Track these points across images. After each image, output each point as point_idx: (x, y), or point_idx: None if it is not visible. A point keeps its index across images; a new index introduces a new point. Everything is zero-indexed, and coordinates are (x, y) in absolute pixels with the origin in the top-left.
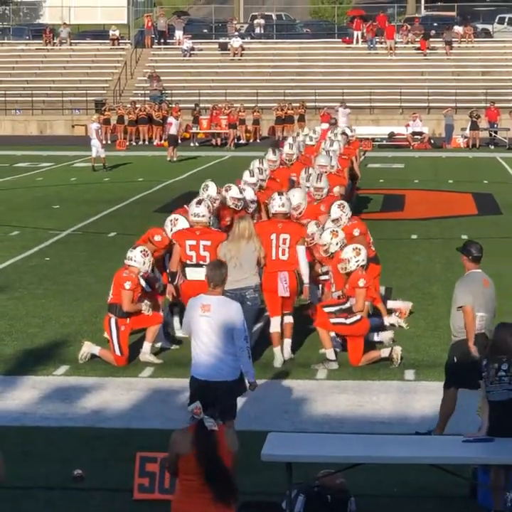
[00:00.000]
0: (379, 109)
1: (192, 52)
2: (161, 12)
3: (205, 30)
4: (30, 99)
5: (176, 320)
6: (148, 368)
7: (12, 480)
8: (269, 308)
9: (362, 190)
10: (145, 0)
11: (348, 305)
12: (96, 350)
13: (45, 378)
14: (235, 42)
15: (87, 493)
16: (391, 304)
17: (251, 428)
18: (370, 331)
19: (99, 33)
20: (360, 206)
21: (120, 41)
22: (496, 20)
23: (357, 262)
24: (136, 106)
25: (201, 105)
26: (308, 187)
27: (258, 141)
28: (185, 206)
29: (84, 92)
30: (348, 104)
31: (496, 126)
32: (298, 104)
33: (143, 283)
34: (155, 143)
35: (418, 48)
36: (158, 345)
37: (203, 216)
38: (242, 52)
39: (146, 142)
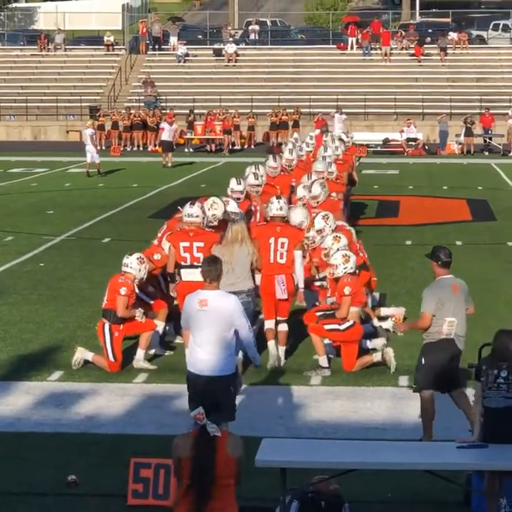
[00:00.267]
0: (373, 115)
1: (187, 58)
2: (155, 18)
3: (200, 36)
4: (24, 104)
5: (167, 326)
6: (142, 373)
7: (6, 486)
8: (264, 311)
9: (356, 196)
10: (140, 6)
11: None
12: (89, 356)
13: (39, 384)
14: (230, 48)
15: (81, 499)
16: (384, 310)
17: (245, 434)
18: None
19: (93, 38)
20: (354, 212)
21: (115, 47)
22: (491, 26)
23: (345, 268)
24: (131, 111)
25: (196, 111)
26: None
27: (253, 147)
28: (176, 216)
29: (79, 97)
30: (342, 111)
31: (490, 132)
32: (292, 110)
33: (143, 297)
34: (149, 149)
35: (413, 54)
36: (152, 352)
37: (197, 216)
38: (237, 58)
39: (141, 148)
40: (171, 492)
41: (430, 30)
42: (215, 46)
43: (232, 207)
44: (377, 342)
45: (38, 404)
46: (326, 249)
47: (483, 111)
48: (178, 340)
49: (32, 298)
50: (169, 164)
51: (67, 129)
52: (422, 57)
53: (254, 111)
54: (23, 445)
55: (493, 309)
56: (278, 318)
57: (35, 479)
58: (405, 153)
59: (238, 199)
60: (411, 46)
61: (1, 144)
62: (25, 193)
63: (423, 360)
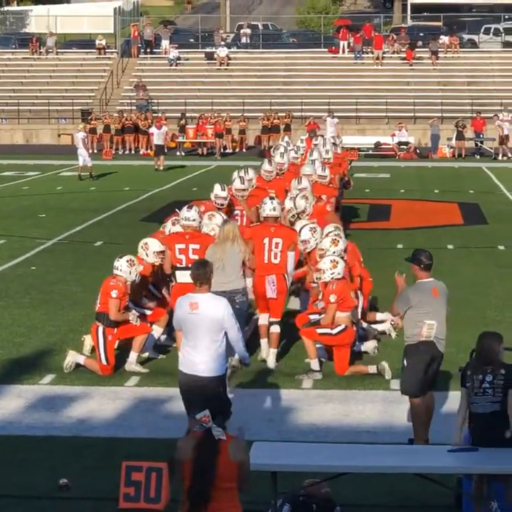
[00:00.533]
0: (365, 118)
1: (178, 61)
2: (147, 21)
3: (192, 40)
4: (16, 108)
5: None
6: (134, 377)
7: None
8: (258, 307)
9: (348, 199)
10: (131, 9)
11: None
12: (81, 359)
13: (31, 387)
14: (222, 51)
15: (73, 502)
16: (379, 316)
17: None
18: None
19: (85, 42)
20: (346, 216)
21: (106, 50)
22: (482, 30)
23: (332, 274)
24: (123, 115)
25: (187, 115)
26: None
27: (244, 150)
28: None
29: (71, 101)
30: (334, 114)
31: (481, 136)
32: (284, 114)
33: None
34: (141, 152)
35: (404, 58)
36: (146, 355)
37: (194, 220)
38: (229, 61)
39: (133, 151)
40: (163, 495)
41: (421, 34)
42: (207, 50)
43: (218, 220)
44: (369, 345)
45: (30, 408)
46: (322, 250)
47: (474, 115)
48: (175, 344)
49: (24, 301)
50: (161, 168)
51: (59, 133)
52: (414, 61)
53: (246, 114)
54: (15, 448)
55: (484, 313)
56: (270, 319)
57: (26, 483)
58: (397, 157)
59: (222, 205)
60: (402, 50)
61: None
62: (17, 197)
63: (405, 362)
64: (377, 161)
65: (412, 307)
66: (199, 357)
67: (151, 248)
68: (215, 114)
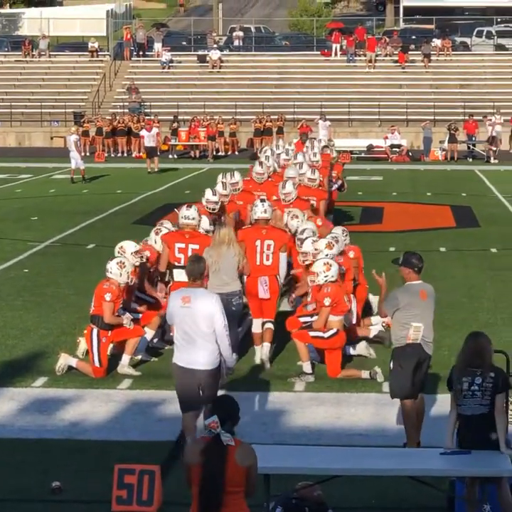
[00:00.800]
0: (357, 121)
1: (171, 64)
2: (139, 24)
3: (184, 43)
4: (8, 110)
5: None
6: (127, 379)
7: None
8: (252, 311)
9: (340, 202)
10: (124, 12)
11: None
12: (73, 362)
13: (24, 390)
14: (214, 54)
15: (65, 505)
16: (375, 319)
17: None
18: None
19: (78, 45)
20: (338, 218)
21: (99, 53)
22: (474, 33)
23: (326, 277)
24: (116, 118)
25: (180, 117)
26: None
27: (237, 153)
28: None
29: (63, 104)
30: (326, 117)
31: (474, 139)
32: (276, 117)
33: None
34: (134, 155)
35: (396, 61)
36: (139, 357)
37: (193, 219)
38: (221, 64)
39: (125, 154)
40: (155, 498)
41: (414, 37)
42: (199, 52)
43: (206, 223)
44: (361, 346)
45: (22, 411)
46: (316, 250)
47: (466, 117)
48: (167, 347)
49: (16, 304)
50: (156, 169)
51: (52, 135)
52: (406, 64)
53: (238, 117)
54: (7, 451)
55: (476, 315)
56: (263, 320)
57: (19, 485)
58: (389, 160)
59: (213, 210)
60: (395, 53)
61: None
62: (10, 199)
63: (392, 364)
64: (369, 163)
65: (399, 309)
66: (192, 350)
67: (127, 250)
68: (208, 117)
